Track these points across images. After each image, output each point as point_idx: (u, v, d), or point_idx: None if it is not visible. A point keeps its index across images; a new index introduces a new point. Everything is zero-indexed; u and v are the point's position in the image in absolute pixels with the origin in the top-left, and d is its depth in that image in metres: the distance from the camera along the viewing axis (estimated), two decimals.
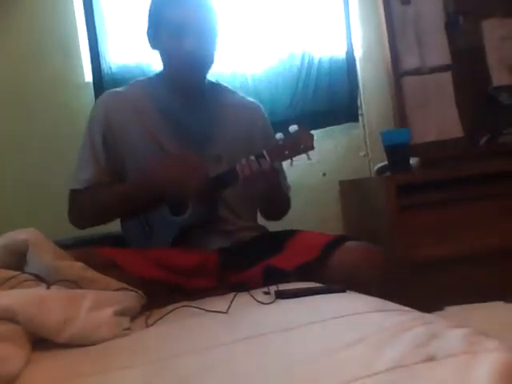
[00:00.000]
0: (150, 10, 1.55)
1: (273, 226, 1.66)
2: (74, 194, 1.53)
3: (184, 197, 1.41)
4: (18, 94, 2.14)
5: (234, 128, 1.57)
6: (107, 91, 1.63)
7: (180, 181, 1.37)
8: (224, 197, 1.51)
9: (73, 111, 2.12)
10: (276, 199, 1.58)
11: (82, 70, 2.20)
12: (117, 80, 2.13)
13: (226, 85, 1.71)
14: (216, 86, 1.66)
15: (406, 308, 0.96)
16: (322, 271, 1.31)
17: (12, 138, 2.13)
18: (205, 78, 1.58)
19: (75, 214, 1.54)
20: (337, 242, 1.36)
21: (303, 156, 1.39)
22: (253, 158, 1.35)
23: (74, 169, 1.55)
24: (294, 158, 1.38)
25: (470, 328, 0.75)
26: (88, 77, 2.18)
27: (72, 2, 2.18)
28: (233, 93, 1.69)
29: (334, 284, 1.19)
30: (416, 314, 0.89)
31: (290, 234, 1.49)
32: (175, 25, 1.47)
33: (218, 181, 1.42)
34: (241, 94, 1.72)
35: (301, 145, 1.35)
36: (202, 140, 1.52)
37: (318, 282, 1.28)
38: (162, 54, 1.55)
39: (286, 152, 1.36)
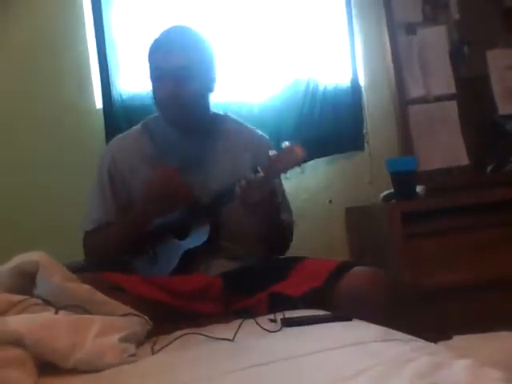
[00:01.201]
0: (147, 54, 1.62)
1: None
2: (88, 235, 1.60)
3: (171, 207, 1.49)
4: (30, 118, 2.17)
5: (235, 161, 1.60)
6: (116, 137, 1.72)
7: (160, 196, 1.47)
8: (226, 224, 1.52)
9: (83, 137, 2.16)
10: (274, 222, 1.57)
11: (93, 97, 2.23)
12: (127, 107, 2.17)
13: (234, 117, 1.73)
14: (222, 119, 1.69)
15: (411, 337, 0.96)
16: (328, 297, 1.32)
17: (22, 163, 2.15)
18: (200, 115, 1.61)
19: (92, 253, 1.60)
20: (343, 268, 1.36)
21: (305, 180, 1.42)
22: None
23: (85, 212, 1.63)
24: (287, 172, 1.40)
25: (473, 359, 0.76)
26: (99, 104, 2.22)
27: (84, 29, 2.23)
28: (240, 125, 1.72)
29: (340, 311, 1.19)
30: (420, 343, 0.90)
31: (295, 260, 1.50)
32: (155, 69, 1.57)
33: (216, 199, 1.48)
34: (249, 126, 1.75)
35: (293, 158, 1.38)
36: (202, 174, 1.57)
37: (325, 308, 1.28)
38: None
39: (280, 166, 1.38)
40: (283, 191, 1.72)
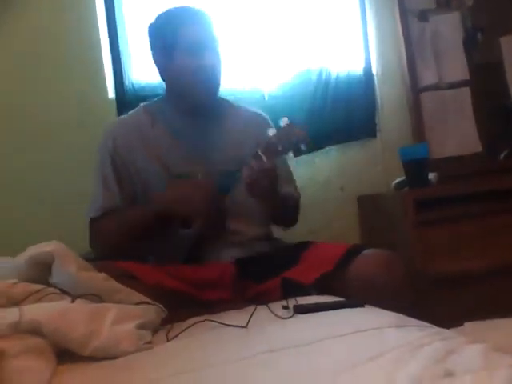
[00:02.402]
0: (156, 31, 1.58)
1: (289, 240, 1.67)
2: (95, 223, 1.56)
3: (194, 215, 1.45)
4: (42, 110, 2.19)
5: (238, 144, 1.59)
6: (113, 121, 1.68)
7: (189, 203, 1.41)
8: (234, 208, 1.51)
9: (96, 127, 2.16)
10: (279, 200, 1.56)
11: (106, 87, 2.24)
12: (139, 97, 2.16)
13: (229, 99, 1.73)
14: (222, 102, 1.69)
15: (424, 323, 0.97)
16: (341, 281, 1.31)
17: (34, 153, 2.17)
18: (215, 99, 1.61)
19: (100, 240, 1.56)
20: (354, 251, 1.36)
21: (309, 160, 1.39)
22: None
23: (90, 198, 1.59)
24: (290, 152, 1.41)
25: (487, 344, 0.76)
26: (111, 94, 2.23)
27: (96, 20, 2.24)
28: (239, 107, 1.72)
29: (353, 295, 1.20)
30: (434, 329, 0.90)
31: (305, 245, 1.50)
32: (194, 42, 1.51)
33: (220, 185, 1.45)
34: (244, 106, 1.74)
35: (293, 138, 1.36)
36: (207, 158, 1.55)
37: (337, 291, 1.28)
38: (172, 76, 1.58)
39: (280, 148, 1.37)
40: (287, 166, 1.73)
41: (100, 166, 1.59)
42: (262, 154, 1.36)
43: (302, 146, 1.36)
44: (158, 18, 1.60)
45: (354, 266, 1.31)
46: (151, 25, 1.61)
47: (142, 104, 1.71)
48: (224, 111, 1.67)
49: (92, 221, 1.57)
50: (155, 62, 1.60)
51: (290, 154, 1.42)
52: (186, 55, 1.52)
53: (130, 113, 1.68)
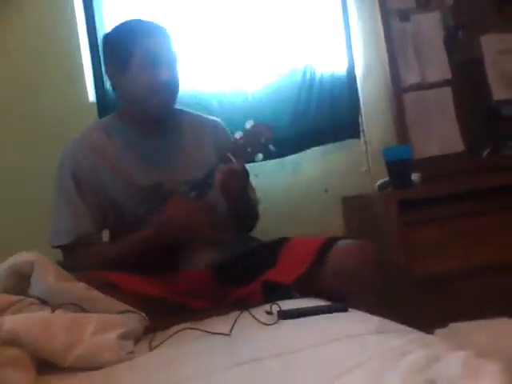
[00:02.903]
0: (111, 42, 1.57)
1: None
2: (68, 250, 1.51)
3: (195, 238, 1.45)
4: (21, 115, 2.16)
5: (197, 151, 1.60)
6: (72, 139, 1.61)
7: (192, 229, 1.42)
8: (206, 213, 1.50)
9: (75, 131, 2.14)
10: (247, 203, 1.59)
11: (86, 91, 2.22)
12: None
13: (181, 107, 1.71)
14: (178, 112, 1.68)
15: (407, 328, 0.97)
16: (318, 276, 1.33)
17: (14, 162, 2.14)
18: (172, 108, 1.61)
19: (81, 266, 1.47)
20: (329, 244, 1.37)
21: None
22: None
23: (52, 224, 1.53)
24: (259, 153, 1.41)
25: (469, 351, 0.76)
26: (91, 97, 2.21)
27: (76, 23, 2.21)
28: (193, 115, 1.72)
29: (331, 288, 1.25)
30: (416, 335, 0.90)
31: (281, 243, 1.50)
32: (150, 54, 1.50)
33: (194, 190, 1.44)
34: (199, 113, 1.74)
35: (261, 139, 1.39)
36: (167, 168, 1.55)
37: (316, 286, 1.31)
38: (128, 88, 1.55)
39: (249, 149, 1.38)
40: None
41: (63, 190, 1.53)
42: (231, 157, 1.37)
43: (271, 147, 1.39)
44: (114, 29, 1.59)
45: (330, 260, 1.33)
46: (107, 37, 1.60)
47: (94, 122, 1.71)
48: (180, 120, 1.66)
49: (64, 248, 1.51)
50: (109, 75, 1.59)
51: (260, 156, 1.42)
52: (141, 67, 1.50)
53: (80, 133, 1.63)
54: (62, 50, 2.19)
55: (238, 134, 1.40)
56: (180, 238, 1.43)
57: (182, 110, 1.70)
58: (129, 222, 1.51)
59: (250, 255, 1.52)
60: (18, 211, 2.11)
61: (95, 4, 2.19)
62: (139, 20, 1.59)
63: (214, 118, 1.75)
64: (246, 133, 1.39)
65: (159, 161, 1.55)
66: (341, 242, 1.38)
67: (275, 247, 1.48)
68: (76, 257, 1.50)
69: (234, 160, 1.37)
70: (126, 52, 1.51)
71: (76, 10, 2.21)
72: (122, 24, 1.59)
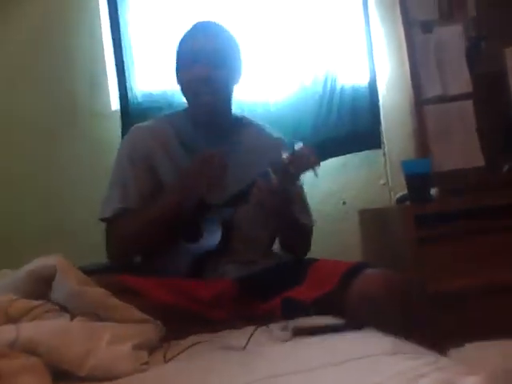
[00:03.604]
0: (177, 46, 1.61)
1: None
2: (110, 224, 1.55)
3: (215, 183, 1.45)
4: (45, 122, 2.20)
5: (255, 164, 1.56)
6: (135, 125, 1.67)
7: (206, 173, 1.43)
8: (239, 226, 1.52)
9: (100, 140, 2.17)
10: (289, 225, 1.58)
11: (109, 99, 2.25)
12: (143, 109, 2.18)
13: (250, 118, 1.73)
14: (241, 121, 1.68)
15: (421, 349, 0.96)
16: (342, 300, 1.31)
17: (37, 166, 2.18)
18: (223, 110, 1.61)
19: (116, 241, 1.53)
20: (355, 270, 1.35)
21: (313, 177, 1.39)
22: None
23: (103, 199, 1.57)
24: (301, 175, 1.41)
25: (483, 375, 0.75)
26: (114, 105, 2.24)
27: (100, 30, 2.24)
28: (257, 127, 1.71)
29: (354, 314, 1.20)
30: (430, 357, 0.89)
31: (309, 263, 1.49)
32: (188, 55, 1.54)
33: (230, 201, 1.47)
34: (265, 126, 1.74)
35: (305, 161, 1.37)
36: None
37: (338, 310, 1.28)
38: (182, 90, 1.61)
39: (291, 169, 1.37)
40: (302, 194, 1.72)
41: (118, 169, 1.59)
42: (272, 174, 1.37)
43: (314, 172, 1.37)
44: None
45: (356, 285, 1.30)
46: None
47: (162, 115, 1.73)
48: (240, 129, 1.66)
49: (107, 222, 1.55)
50: (176, 76, 1.63)
51: (301, 179, 1.42)
52: (185, 67, 1.55)
53: (150, 121, 1.70)
54: (86, 57, 2.23)
55: (285, 154, 1.38)
56: (201, 187, 1.44)
57: (244, 118, 1.71)
58: None
59: (275, 272, 1.51)
60: (37, 222, 2.14)
61: (120, 12, 2.22)
62: (201, 21, 1.64)
63: (278, 135, 1.73)
64: (293, 153, 1.37)
65: None
66: (368, 270, 1.34)
67: (301, 267, 1.47)
68: (117, 231, 1.53)
69: (273, 176, 1.36)
70: (177, 53, 1.59)
71: (101, 17, 2.25)
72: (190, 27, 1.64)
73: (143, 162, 1.56)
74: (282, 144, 1.69)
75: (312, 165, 1.37)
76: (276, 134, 1.74)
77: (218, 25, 1.61)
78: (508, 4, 2.53)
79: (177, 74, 1.61)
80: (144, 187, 1.55)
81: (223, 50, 1.55)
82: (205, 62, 1.52)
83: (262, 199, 1.38)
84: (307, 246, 1.69)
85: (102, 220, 1.55)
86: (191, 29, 1.61)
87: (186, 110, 1.66)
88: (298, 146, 1.38)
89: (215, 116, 1.58)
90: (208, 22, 1.62)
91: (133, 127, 1.67)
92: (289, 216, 1.53)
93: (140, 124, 1.67)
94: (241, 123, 1.69)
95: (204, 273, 1.48)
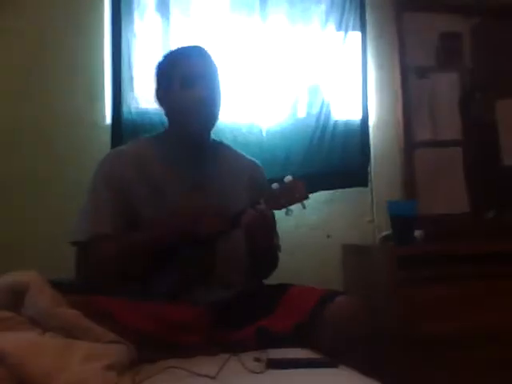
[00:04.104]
0: (159, 68, 1.64)
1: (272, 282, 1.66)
2: (86, 246, 1.51)
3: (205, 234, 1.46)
4: (38, 130, 2.18)
5: (231, 187, 1.61)
6: (113, 149, 1.69)
7: (203, 221, 1.44)
8: (223, 251, 1.51)
9: (88, 152, 2.16)
10: (268, 250, 1.59)
11: (104, 112, 2.25)
12: (136, 125, 2.18)
13: (227, 143, 1.76)
14: (218, 144, 1.71)
15: None
16: (313, 329, 1.33)
17: (22, 173, 2.17)
18: (209, 132, 1.64)
19: (95, 264, 1.50)
20: (326, 298, 1.37)
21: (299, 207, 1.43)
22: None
23: (75, 222, 1.54)
24: (290, 207, 1.44)
25: None
26: (108, 119, 2.24)
27: (102, 44, 2.25)
28: (234, 151, 1.75)
29: (324, 342, 1.24)
30: None
31: (283, 289, 1.50)
32: (188, 75, 1.55)
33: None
34: (240, 152, 1.77)
35: (296, 194, 1.42)
36: (199, 196, 1.55)
37: (310, 339, 1.30)
38: (170, 109, 1.62)
39: (282, 200, 1.42)
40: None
41: (93, 191, 1.57)
42: (263, 202, 1.42)
43: (302, 205, 1.43)
44: (164, 56, 1.66)
45: (325, 315, 1.33)
46: (157, 64, 1.66)
47: (140, 137, 1.73)
48: (219, 152, 1.69)
49: (80, 246, 1.52)
50: (157, 97, 1.64)
51: (290, 210, 1.44)
52: (179, 86, 1.56)
53: (128, 144, 1.69)
54: (86, 69, 2.23)
55: (275, 185, 1.43)
56: (190, 231, 1.44)
57: (221, 143, 1.73)
58: None
59: (249, 298, 1.51)
60: (20, 231, 2.12)
61: (123, 27, 2.24)
62: (185, 46, 1.66)
63: (254, 159, 1.77)
64: (283, 185, 1.43)
65: (198, 189, 1.56)
66: (338, 298, 1.37)
67: (276, 294, 1.48)
68: (96, 255, 1.50)
69: (264, 207, 1.42)
70: (168, 75, 1.59)
71: (104, 34, 2.27)
72: (171, 51, 1.67)
73: (118, 187, 1.54)
74: (256, 165, 1.75)
75: (301, 198, 1.43)
76: (248, 157, 1.77)
77: (204, 49, 1.64)
78: (503, 58, 2.60)
79: (162, 94, 1.62)
80: (118, 213, 1.53)
81: (214, 74, 1.60)
82: (202, 85, 1.55)
83: (253, 227, 1.41)
84: (275, 267, 1.70)
85: (74, 243, 1.52)
86: (179, 52, 1.64)
87: (166, 133, 1.68)
88: (288, 178, 1.44)
89: (202, 135, 1.61)
90: (196, 46, 1.64)
91: (110, 151, 1.68)
92: (270, 243, 1.56)
93: (118, 148, 1.68)
94: (219, 145, 1.71)
95: (182, 295, 1.46)
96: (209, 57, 1.61)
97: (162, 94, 1.63)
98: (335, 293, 1.42)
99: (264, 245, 1.50)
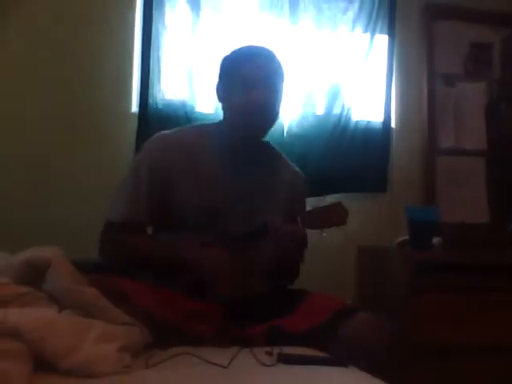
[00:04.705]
0: (222, 65, 1.60)
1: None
2: (111, 227, 1.51)
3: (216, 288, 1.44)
4: (67, 118, 2.22)
5: (273, 191, 1.59)
6: (160, 133, 1.60)
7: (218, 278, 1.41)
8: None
9: (115, 139, 2.20)
10: (296, 263, 1.61)
11: (131, 101, 2.28)
12: (161, 115, 2.21)
13: (273, 145, 1.72)
14: (267, 146, 1.68)
15: None
16: (329, 337, 1.31)
17: (55, 161, 2.21)
18: (263, 136, 1.60)
19: (108, 247, 1.51)
20: (346, 311, 1.36)
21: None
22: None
23: (112, 199, 1.54)
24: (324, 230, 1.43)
25: None
26: (134, 108, 2.27)
27: (133, 35, 2.29)
28: (279, 155, 1.71)
29: (338, 354, 1.19)
30: None
31: (302, 295, 1.49)
32: (250, 77, 1.51)
33: (249, 236, 1.44)
34: (285, 158, 1.73)
35: (334, 218, 1.40)
36: (239, 194, 1.53)
37: (324, 346, 1.28)
38: (227, 107, 1.58)
39: (318, 222, 1.40)
40: None
41: (136, 173, 1.53)
42: (299, 220, 1.41)
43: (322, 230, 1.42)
44: (232, 51, 1.62)
45: (344, 326, 1.31)
46: (224, 56, 1.62)
47: (193, 124, 1.72)
48: (269, 156, 1.66)
49: (110, 225, 1.52)
50: (217, 91, 1.61)
51: (324, 234, 1.44)
52: (238, 90, 1.51)
53: (177, 130, 1.64)
54: (115, 58, 2.26)
55: (317, 204, 1.43)
56: (204, 281, 1.42)
57: (269, 144, 1.69)
58: (177, 227, 1.51)
59: (267, 298, 1.50)
60: (47, 217, 2.15)
61: (155, 18, 2.26)
62: (254, 45, 1.62)
63: (298, 170, 1.73)
64: (325, 206, 1.41)
65: (239, 193, 1.54)
66: (360, 314, 1.35)
67: (295, 297, 1.47)
68: (115, 239, 1.50)
69: (300, 223, 1.41)
70: (229, 75, 1.55)
71: (135, 27, 2.30)
72: (239, 48, 1.62)
73: (162, 174, 1.51)
74: (300, 177, 1.72)
75: (338, 223, 1.41)
76: (294, 166, 1.74)
77: (270, 51, 1.60)
78: None
79: (222, 89, 1.58)
80: (156, 203, 1.51)
81: (278, 78, 1.56)
82: (262, 88, 1.50)
83: (283, 243, 1.40)
84: (297, 277, 1.67)
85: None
86: (245, 51, 1.59)
87: (217, 126, 1.64)
88: (331, 199, 1.41)
89: (256, 138, 1.58)
90: (262, 48, 1.60)
91: (157, 135, 1.59)
92: (297, 260, 1.56)
93: (165, 132, 1.61)
94: (266, 150, 1.67)
95: (200, 290, 1.46)
96: (275, 60, 1.57)
97: (221, 89, 1.59)
98: (357, 308, 1.40)
99: (291, 261, 1.51)
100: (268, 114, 1.54)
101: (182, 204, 1.51)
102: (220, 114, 1.62)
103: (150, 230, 1.61)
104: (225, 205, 1.51)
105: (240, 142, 1.57)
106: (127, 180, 1.55)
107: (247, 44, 1.63)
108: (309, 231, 1.46)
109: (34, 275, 1.19)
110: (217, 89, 1.61)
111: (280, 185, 1.62)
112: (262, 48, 1.60)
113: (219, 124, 1.64)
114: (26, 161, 2.18)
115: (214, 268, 1.41)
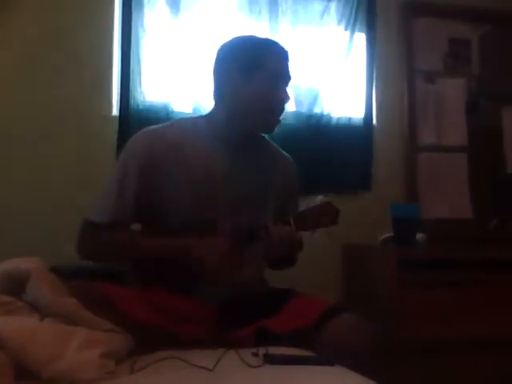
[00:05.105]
0: (242, 54, 1.52)
1: (273, 280, 1.66)
2: (92, 225, 1.47)
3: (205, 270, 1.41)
4: (45, 119, 2.19)
5: (266, 180, 1.58)
6: (148, 127, 1.56)
7: (212, 267, 1.38)
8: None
9: (96, 142, 2.17)
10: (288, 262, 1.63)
11: (111, 104, 2.25)
12: (142, 117, 2.18)
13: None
14: (259, 136, 1.65)
15: None
16: (315, 338, 1.31)
17: (35, 163, 2.17)
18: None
19: (88, 245, 1.47)
20: (331, 312, 1.36)
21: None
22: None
23: (97, 198, 1.50)
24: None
25: None
26: (115, 110, 2.24)
27: (112, 37, 2.26)
28: (270, 143, 1.69)
29: (324, 354, 1.19)
30: None
31: (288, 295, 1.49)
32: (278, 72, 1.50)
33: (247, 235, 1.43)
34: (273, 143, 1.70)
35: (323, 218, 1.41)
36: (233, 186, 1.50)
37: (310, 347, 1.28)
38: (246, 97, 1.50)
39: (309, 223, 1.40)
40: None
41: (121, 171, 1.48)
42: (292, 223, 1.39)
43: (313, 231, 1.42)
44: (241, 40, 1.57)
45: (329, 327, 1.31)
46: (230, 45, 1.57)
47: (176, 119, 1.70)
48: (260, 143, 1.63)
49: (91, 224, 1.47)
50: (222, 79, 1.54)
51: (316, 234, 1.44)
52: (267, 83, 1.48)
53: (162, 125, 1.59)
54: (94, 60, 2.23)
55: (308, 204, 1.42)
56: (196, 267, 1.39)
57: (261, 135, 1.66)
58: (165, 226, 1.47)
59: (254, 299, 1.48)
60: (28, 222, 2.13)
61: (134, 19, 2.24)
62: (268, 38, 1.63)
63: (288, 156, 1.71)
64: (316, 206, 1.41)
65: (231, 180, 1.50)
66: (344, 315, 1.36)
67: (281, 298, 1.47)
68: (102, 238, 1.46)
69: (293, 226, 1.39)
70: (257, 63, 1.48)
71: (114, 28, 2.28)
72: (252, 37, 1.59)
73: (149, 171, 1.47)
74: (290, 162, 1.70)
75: (329, 223, 1.42)
76: (286, 153, 1.71)
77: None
78: (510, 66, 2.61)
79: (248, 80, 1.49)
80: (144, 201, 1.47)
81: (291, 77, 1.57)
82: (285, 86, 1.52)
83: (276, 244, 1.39)
84: (294, 264, 1.69)
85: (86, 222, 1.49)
86: (271, 44, 1.56)
87: (206, 118, 1.60)
88: (322, 199, 1.43)
89: (267, 133, 1.60)
90: (283, 47, 1.57)
91: (142, 131, 1.54)
92: (290, 260, 1.59)
93: (149, 128, 1.55)
94: (258, 137, 1.63)
95: (187, 288, 1.44)
96: (289, 60, 1.57)
97: (234, 78, 1.50)
98: (342, 308, 1.40)
99: (284, 266, 1.55)
100: (281, 114, 1.54)
101: (173, 200, 1.47)
102: (198, 113, 1.60)
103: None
104: (219, 197, 1.48)
105: (242, 135, 1.54)
106: (113, 177, 1.49)
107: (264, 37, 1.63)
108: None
109: (14, 286, 1.18)
110: (223, 79, 1.53)
111: (272, 173, 1.60)
112: (282, 46, 1.57)
113: (208, 117, 1.59)
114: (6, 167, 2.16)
115: (213, 253, 1.38)
